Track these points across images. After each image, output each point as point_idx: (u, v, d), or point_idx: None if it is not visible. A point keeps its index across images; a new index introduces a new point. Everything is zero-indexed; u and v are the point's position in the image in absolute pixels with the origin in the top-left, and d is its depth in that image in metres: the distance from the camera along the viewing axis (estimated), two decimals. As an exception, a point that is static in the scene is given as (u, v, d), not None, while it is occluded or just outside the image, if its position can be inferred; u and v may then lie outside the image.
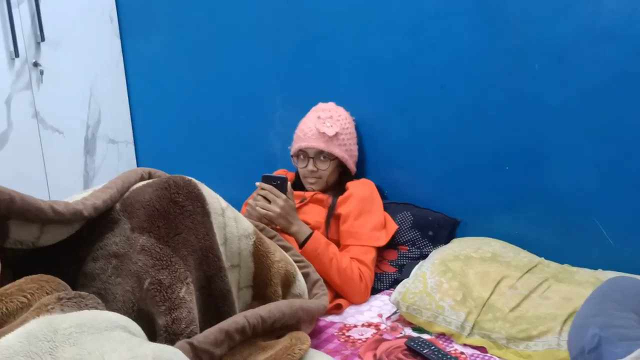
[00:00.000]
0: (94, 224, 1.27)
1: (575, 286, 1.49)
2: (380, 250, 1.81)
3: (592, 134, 1.63)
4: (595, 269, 1.63)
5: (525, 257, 1.66)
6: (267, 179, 1.69)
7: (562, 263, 1.68)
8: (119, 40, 2.45)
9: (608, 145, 1.62)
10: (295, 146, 1.91)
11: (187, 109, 2.40)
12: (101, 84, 2.39)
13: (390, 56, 1.91)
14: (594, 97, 1.62)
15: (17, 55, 2.03)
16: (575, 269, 1.63)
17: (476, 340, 1.43)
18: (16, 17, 2.02)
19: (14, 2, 2.01)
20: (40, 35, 2.11)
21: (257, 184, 1.71)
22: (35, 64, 2.11)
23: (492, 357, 1.38)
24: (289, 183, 1.70)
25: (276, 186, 1.68)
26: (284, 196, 1.67)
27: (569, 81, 1.64)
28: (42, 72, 2.14)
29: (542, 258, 1.69)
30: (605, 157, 1.63)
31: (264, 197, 1.68)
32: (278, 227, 1.70)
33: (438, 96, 1.85)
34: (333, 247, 1.69)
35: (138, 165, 2.58)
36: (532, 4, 1.65)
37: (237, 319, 1.21)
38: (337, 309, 1.64)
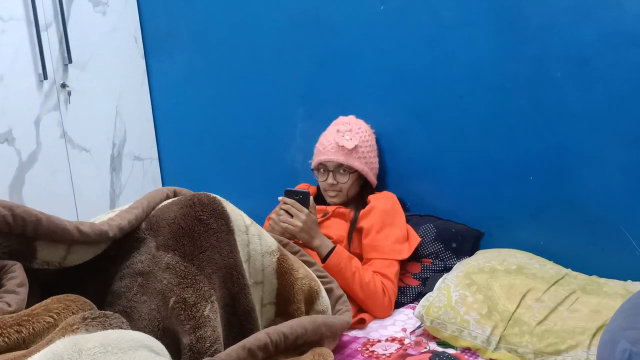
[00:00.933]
0: (121, 244, 1.29)
1: (604, 298, 1.46)
2: (404, 263, 1.80)
3: (617, 141, 1.60)
4: (625, 280, 1.59)
5: (552, 269, 1.63)
6: (290, 194, 1.70)
7: (589, 274, 1.64)
8: (144, 60, 2.51)
9: (635, 151, 1.58)
10: (315, 160, 1.92)
11: (209, 125, 2.44)
12: (126, 103, 2.44)
13: (409, 67, 1.91)
14: (619, 103, 1.59)
15: (45, 77, 2.09)
16: (603, 280, 1.59)
17: (503, 355, 1.40)
18: (44, 41, 2.09)
19: (42, 26, 2.08)
20: (67, 57, 2.17)
21: (280, 198, 1.72)
22: (63, 85, 2.18)
23: (519, 372, 1.36)
24: (311, 197, 1.70)
25: (299, 200, 1.69)
26: (306, 210, 1.68)
27: (593, 87, 1.62)
28: (69, 93, 2.20)
29: (569, 269, 1.66)
30: (632, 164, 1.59)
31: (287, 212, 1.69)
32: (300, 241, 1.70)
33: (458, 106, 1.84)
34: (356, 261, 1.69)
35: (163, 181, 2.63)
36: (553, 10, 1.64)
37: (260, 336, 1.22)
38: (361, 324, 1.63)
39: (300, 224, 1.67)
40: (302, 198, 1.69)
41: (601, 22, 1.58)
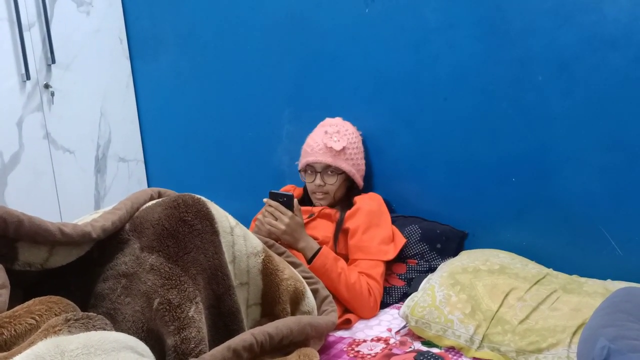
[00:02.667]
0: (105, 245, 1.29)
1: (584, 297, 1.48)
2: (389, 264, 1.81)
3: (597, 143, 1.63)
4: (605, 279, 1.62)
5: (534, 269, 1.65)
6: (274, 196, 1.71)
7: (570, 274, 1.66)
8: (129, 62, 2.50)
9: (614, 153, 1.61)
10: (302, 161, 1.92)
11: (195, 127, 2.43)
12: (111, 104, 2.43)
13: (394, 70, 1.92)
14: (598, 106, 1.61)
15: (28, 77, 2.07)
16: (584, 279, 1.62)
17: (486, 353, 1.42)
18: (27, 40, 2.07)
19: (25, 26, 2.06)
20: (51, 58, 2.15)
21: (265, 200, 1.72)
22: (46, 86, 2.16)
23: (502, 370, 1.37)
24: (295, 200, 1.71)
25: (282, 203, 1.69)
26: (290, 213, 1.68)
27: (573, 90, 1.64)
28: (53, 94, 2.18)
29: (551, 269, 1.68)
30: (611, 165, 1.62)
31: (271, 214, 1.70)
32: (286, 243, 1.71)
33: (442, 109, 1.86)
34: (342, 263, 1.69)
35: (148, 183, 2.61)
36: (534, 15, 1.66)
37: (245, 337, 1.22)
38: (346, 324, 1.64)
39: (283, 226, 1.67)
40: (285, 201, 1.69)
41: (581, 26, 1.60)
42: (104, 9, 2.37)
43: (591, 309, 1.30)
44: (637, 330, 1.14)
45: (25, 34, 2.06)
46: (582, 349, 1.17)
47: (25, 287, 1.21)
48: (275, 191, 1.72)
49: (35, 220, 1.12)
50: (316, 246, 1.69)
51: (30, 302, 1.03)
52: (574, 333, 1.36)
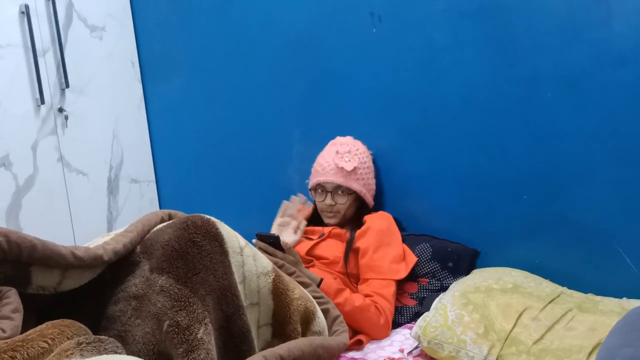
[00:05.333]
0: (116, 267, 1.29)
1: (600, 316, 1.46)
2: (401, 283, 1.80)
3: (609, 159, 1.62)
4: (620, 297, 1.60)
5: (548, 287, 1.63)
6: (262, 238, 1.67)
7: (585, 292, 1.64)
8: (141, 85, 2.53)
9: (626, 169, 1.60)
10: (313, 180, 1.93)
11: (206, 148, 2.46)
12: (123, 127, 2.46)
13: (403, 89, 1.93)
14: (609, 122, 1.61)
15: (42, 102, 2.11)
16: (599, 298, 1.59)
17: (500, 374, 1.40)
18: (42, 66, 2.11)
19: (39, 52, 2.10)
20: (65, 82, 2.20)
21: (254, 241, 1.67)
22: (60, 110, 2.19)
23: (517, 392, 1.35)
24: (283, 240, 1.66)
25: (270, 244, 1.65)
26: (280, 253, 1.64)
27: (583, 107, 1.64)
28: (66, 118, 2.21)
29: (565, 287, 1.66)
30: (624, 181, 1.60)
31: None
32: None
33: (452, 127, 1.86)
34: (346, 292, 1.67)
35: (160, 203, 2.63)
36: (542, 32, 1.66)
37: (256, 359, 1.21)
38: (358, 345, 1.62)
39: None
40: (272, 242, 1.65)
41: (589, 43, 1.60)
42: (116, 34, 2.42)
43: (607, 328, 1.28)
44: (654, 350, 1.12)
45: (40, 60, 2.10)
46: (598, 370, 1.16)
47: (38, 310, 1.22)
48: (262, 233, 1.68)
49: (48, 244, 1.13)
50: (317, 278, 1.68)
51: (43, 325, 1.04)
52: (590, 353, 1.34)
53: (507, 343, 1.43)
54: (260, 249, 1.65)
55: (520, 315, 1.49)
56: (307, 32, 2.10)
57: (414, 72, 1.90)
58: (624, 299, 1.58)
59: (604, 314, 1.47)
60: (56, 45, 2.17)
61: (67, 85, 2.20)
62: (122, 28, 2.45)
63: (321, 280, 1.67)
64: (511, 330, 1.45)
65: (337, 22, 2.02)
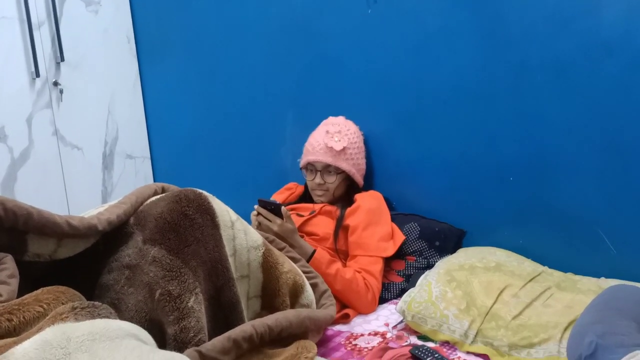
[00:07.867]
0: (110, 238, 1.33)
1: (577, 294, 1.51)
2: (388, 261, 1.85)
3: (593, 146, 1.65)
4: (598, 277, 1.65)
5: (529, 266, 1.68)
6: (263, 204, 1.72)
7: (565, 272, 1.69)
8: (136, 60, 2.54)
9: (609, 156, 1.63)
10: (304, 159, 1.96)
11: (201, 125, 2.48)
12: (119, 102, 2.48)
13: (395, 73, 1.95)
14: (594, 110, 1.64)
15: (37, 75, 2.13)
16: (578, 277, 1.64)
17: (479, 347, 1.45)
18: (37, 39, 2.12)
19: (35, 25, 2.11)
20: (60, 56, 2.20)
21: (255, 207, 1.73)
22: (55, 84, 2.21)
23: (495, 364, 1.40)
24: (284, 208, 1.71)
25: (271, 211, 1.70)
26: (279, 220, 1.69)
27: (570, 94, 1.67)
28: (61, 91, 2.23)
29: (546, 267, 1.71)
30: (607, 168, 1.64)
31: (261, 223, 1.72)
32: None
33: (442, 111, 1.89)
34: (337, 264, 1.71)
35: (155, 180, 2.66)
36: (532, 20, 1.68)
37: (245, 328, 1.26)
38: (345, 319, 1.67)
39: (273, 234, 1.68)
40: (273, 209, 1.70)
41: (578, 32, 1.62)
42: (112, 9, 2.42)
43: (584, 306, 1.33)
44: (625, 326, 1.17)
45: (35, 33, 2.11)
46: (571, 344, 1.20)
47: (34, 278, 1.25)
48: (264, 199, 1.73)
49: (44, 213, 1.16)
50: (310, 249, 1.72)
51: (39, 291, 1.07)
52: (565, 329, 1.39)
53: (487, 318, 1.48)
54: (259, 214, 1.69)
55: (501, 292, 1.54)
56: (303, 14, 2.11)
57: (407, 57, 1.92)
58: (602, 278, 1.64)
59: (581, 292, 1.52)
60: (51, 18, 2.17)
61: (62, 59, 2.21)
62: (118, 4, 2.45)
63: (314, 250, 1.71)
64: (492, 307, 1.50)
65: (332, 4, 2.03)
